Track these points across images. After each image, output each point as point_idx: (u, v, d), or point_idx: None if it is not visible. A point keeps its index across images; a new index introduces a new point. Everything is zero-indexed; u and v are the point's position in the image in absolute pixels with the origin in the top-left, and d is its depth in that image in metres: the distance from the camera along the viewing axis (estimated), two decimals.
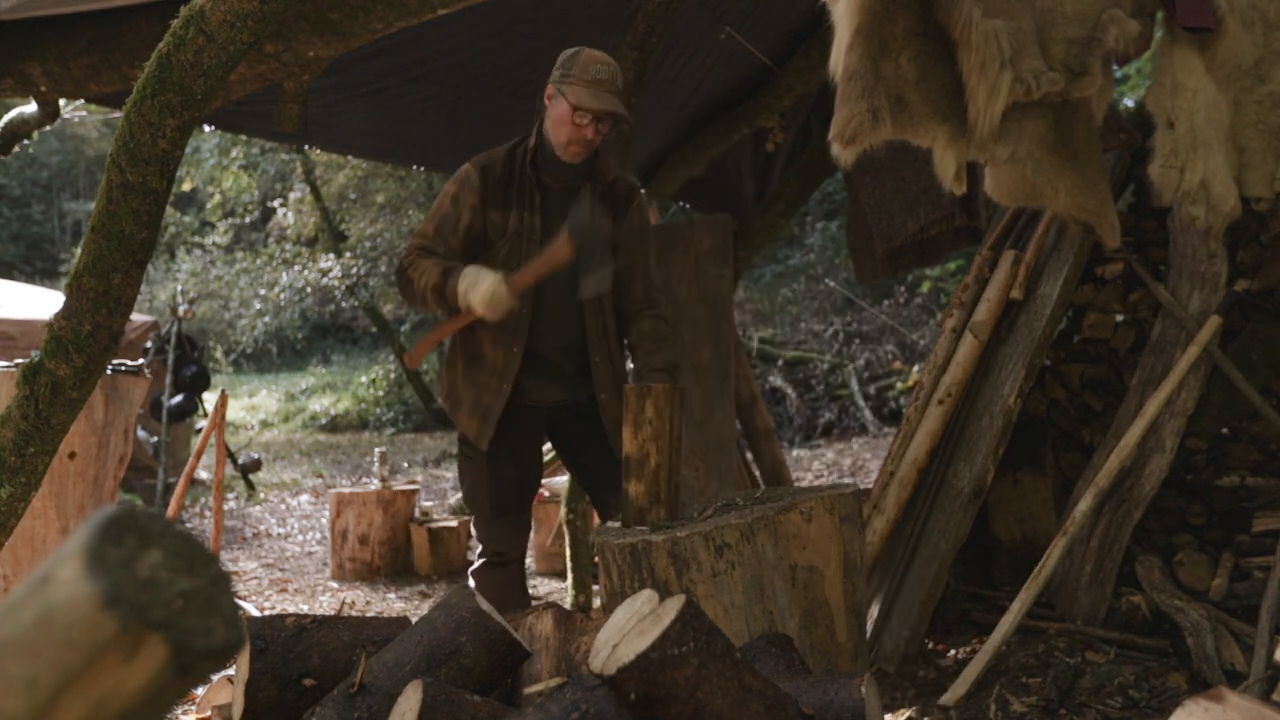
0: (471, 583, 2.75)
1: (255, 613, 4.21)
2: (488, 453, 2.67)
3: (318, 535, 6.61)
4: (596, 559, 2.98)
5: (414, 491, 5.52)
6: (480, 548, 2.77)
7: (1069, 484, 3.43)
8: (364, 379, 15.54)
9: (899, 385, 10.09)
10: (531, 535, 5.47)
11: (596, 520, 4.92)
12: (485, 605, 1.74)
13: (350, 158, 10.88)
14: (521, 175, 2.60)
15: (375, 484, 5.70)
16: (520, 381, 2.65)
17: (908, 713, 2.65)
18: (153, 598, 0.54)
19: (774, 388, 10.45)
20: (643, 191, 2.77)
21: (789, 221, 5.77)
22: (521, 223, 2.60)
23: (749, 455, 5.27)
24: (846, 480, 7.87)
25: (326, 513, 7.14)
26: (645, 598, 1.49)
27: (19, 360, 2.79)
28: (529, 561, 5.38)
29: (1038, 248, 3.33)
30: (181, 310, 7.18)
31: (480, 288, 2.40)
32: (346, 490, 5.45)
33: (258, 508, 7.80)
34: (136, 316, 7.88)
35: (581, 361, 2.72)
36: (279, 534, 6.71)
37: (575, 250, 2.44)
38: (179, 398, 7.07)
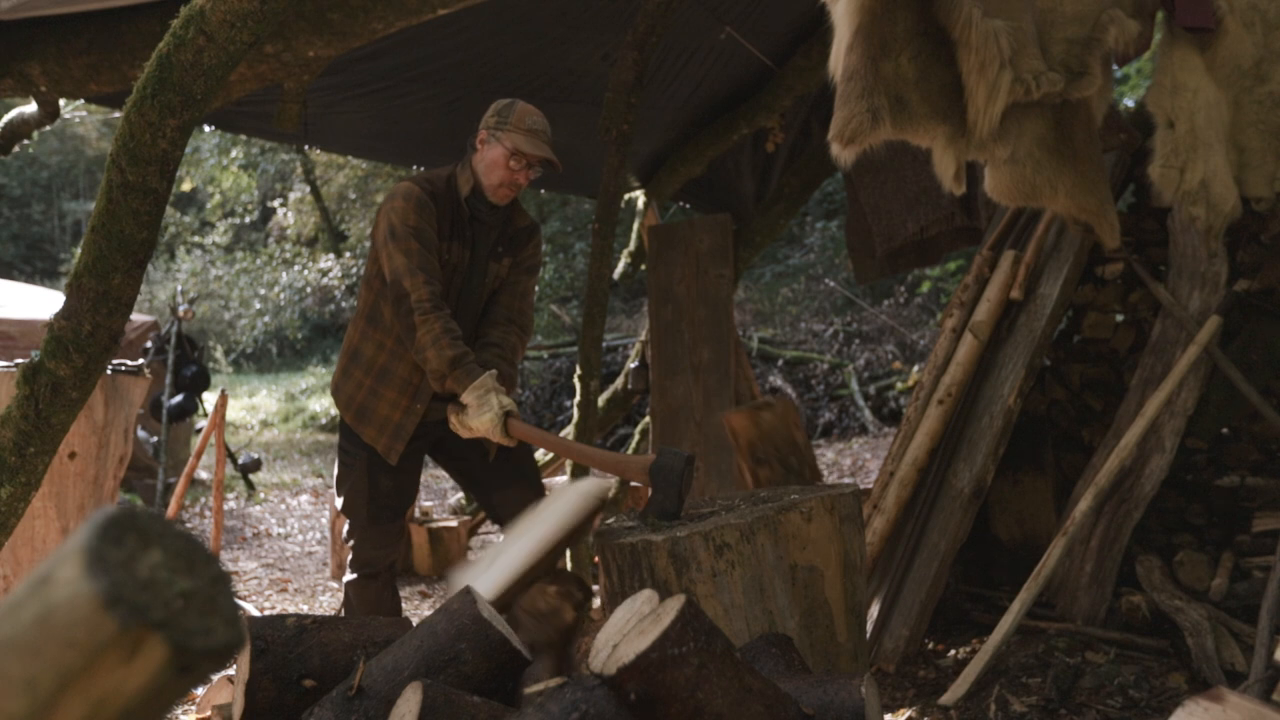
0: (348, 594, 2.74)
1: (255, 613, 4.21)
2: (368, 463, 2.67)
3: (318, 535, 6.61)
4: (596, 559, 2.98)
5: None
6: (351, 557, 2.75)
7: (1069, 484, 3.43)
8: None
9: (899, 385, 10.09)
10: None
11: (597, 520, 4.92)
12: (487, 612, 1.74)
13: (350, 158, 10.88)
14: (459, 208, 2.65)
15: None
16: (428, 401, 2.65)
17: (908, 713, 2.65)
18: (153, 598, 0.54)
19: (774, 388, 10.45)
20: (539, 233, 2.90)
21: (789, 221, 5.77)
22: (458, 256, 2.65)
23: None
24: (846, 480, 7.87)
25: (326, 513, 7.14)
26: (645, 598, 1.49)
27: (19, 360, 2.78)
28: None
29: (1038, 248, 3.33)
30: (181, 310, 7.18)
31: (484, 418, 2.40)
32: None
33: (258, 508, 7.80)
34: (136, 316, 7.88)
35: None
36: (279, 534, 6.71)
37: (647, 484, 2.28)
38: (179, 398, 7.06)
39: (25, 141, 4.10)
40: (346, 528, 2.76)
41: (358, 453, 2.68)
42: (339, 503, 2.76)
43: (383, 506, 2.70)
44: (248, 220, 14.99)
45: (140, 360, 5.00)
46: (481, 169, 2.62)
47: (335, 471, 2.81)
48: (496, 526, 2.86)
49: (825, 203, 12.89)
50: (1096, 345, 3.57)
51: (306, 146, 10.00)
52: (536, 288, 2.82)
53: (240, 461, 8.51)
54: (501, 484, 2.74)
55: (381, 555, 2.73)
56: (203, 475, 8.19)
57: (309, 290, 13.60)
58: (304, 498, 8.29)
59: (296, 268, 13.51)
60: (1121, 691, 2.54)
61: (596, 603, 3.76)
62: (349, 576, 2.75)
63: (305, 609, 4.61)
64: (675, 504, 2.15)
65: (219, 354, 17.67)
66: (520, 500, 2.68)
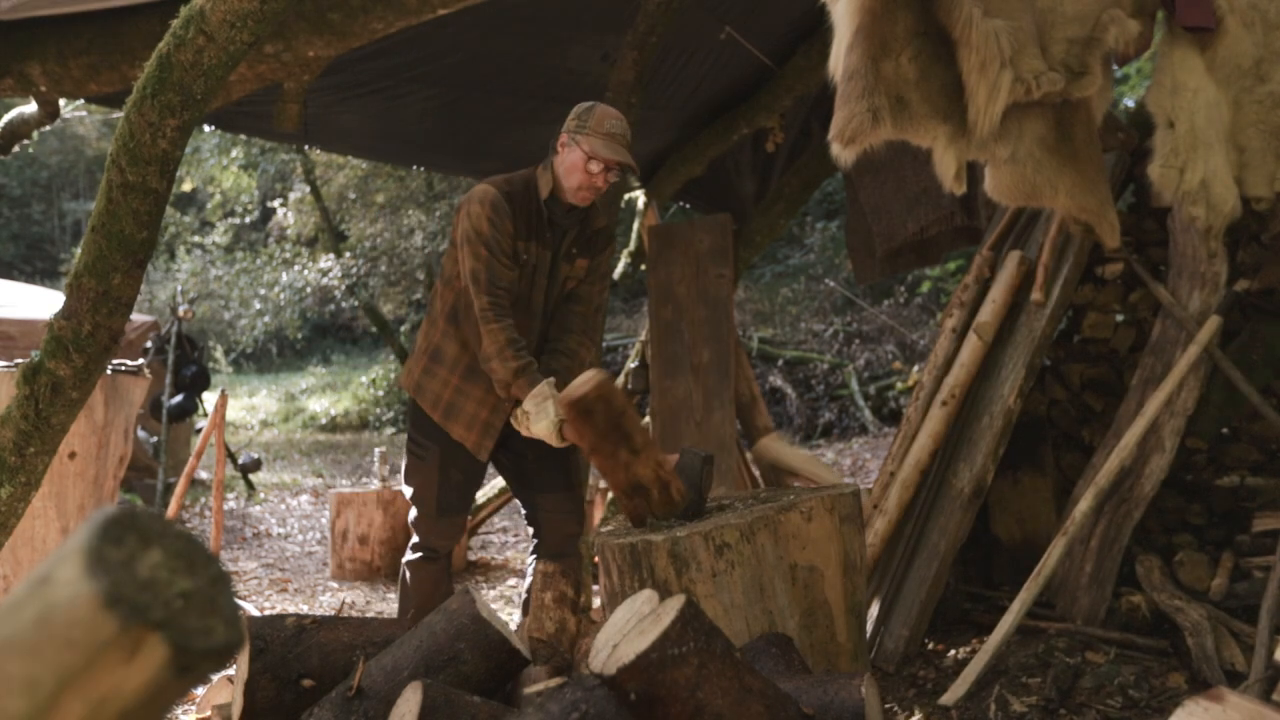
0: (405, 573, 2.86)
1: (255, 613, 4.21)
2: (440, 456, 2.77)
3: (318, 535, 6.61)
4: (596, 559, 2.99)
5: None
6: (416, 540, 2.87)
7: (1069, 484, 3.43)
8: (364, 379, 15.53)
9: (899, 385, 10.09)
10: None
11: (597, 520, 4.92)
12: (485, 612, 1.74)
13: (350, 158, 10.88)
14: (538, 209, 2.72)
15: (375, 484, 5.70)
16: None
17: (907, 713, 2.65)
18: (153, 598, 0.54)
19: (774, 388, 10.45)
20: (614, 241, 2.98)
21: (789, 221, 5.77)
22: (536, 255, 2.72)
23: (749, 455, 5.27)
24: (847, 480, 7.87)
25: (326, 513, 7.14)
26: (645, 598, 1.49)
27: (19, 360, 2.78)
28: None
29: (1053, 249, 3.31)
30: (181, 310, 7.17)
31: (541, 424, 2.54)
32: (346, 490, 5.45)
33: (258, 508, 7.80)
34: (136, 316, 7.87)
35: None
36: (279, 534, 6.71)
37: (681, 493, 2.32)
38: (179, 398, 7.06)
39: (25, 141, 4.10)
40: (412, 516, 2.86)
41: (430, 445, 2.78)
42: (407, 492, 2.85)
43: (450, 499, 2.82)
44: (248, 220, 14.95)
45: (140, 360, 5.00)
46: (561, 172, 2.68)
47: (404, 462, 2.90)
48: (531, 529, 2.95)
49: (825, 203, 12.88)
50: (1096, 345, 3.57)
51: (306, 146, 10.00)
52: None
53: (240, 461, 8.50)
54: (544, 488, 2.86)
55: (444, 544, 2.86)
56: (203, 475, 8.18)
57: (309, 290, 13.57)
58: (304, 498, 8.29)
59: (296, 268, 13.48)
60: (1121, 691, 2.54)
61: (596, 603, 3.76)
62: (409, 556, 2.87)
63: (305, 609, 4.61)
64: (696, 503, 2.21)
65: (219, 354, 17.67)
66: (560, 506, 2.85)
